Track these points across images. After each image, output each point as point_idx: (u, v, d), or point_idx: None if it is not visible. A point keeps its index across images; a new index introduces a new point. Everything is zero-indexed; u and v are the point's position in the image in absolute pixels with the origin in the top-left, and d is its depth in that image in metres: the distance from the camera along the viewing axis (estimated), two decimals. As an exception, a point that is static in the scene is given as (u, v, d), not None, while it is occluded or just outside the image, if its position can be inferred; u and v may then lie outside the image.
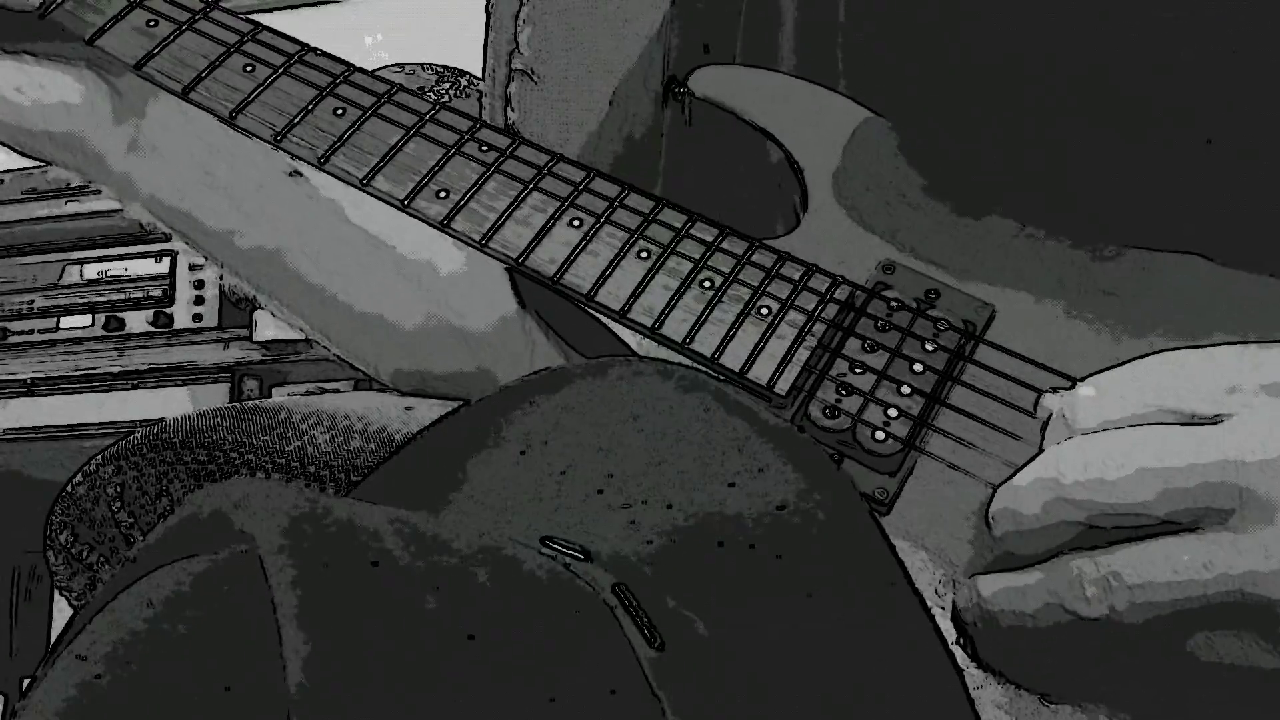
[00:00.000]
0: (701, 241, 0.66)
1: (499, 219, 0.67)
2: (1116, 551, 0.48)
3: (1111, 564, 0.48)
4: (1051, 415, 0.53)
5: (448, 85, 1.61)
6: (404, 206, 0.68)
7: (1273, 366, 0.50)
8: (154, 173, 0.74)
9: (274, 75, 0.72)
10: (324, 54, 0.74)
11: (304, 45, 0.74)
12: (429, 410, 0.75)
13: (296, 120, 0.71)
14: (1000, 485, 0.53)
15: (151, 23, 0.74)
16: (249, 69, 0.73)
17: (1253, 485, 0.46)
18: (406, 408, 0.77)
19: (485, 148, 0.70)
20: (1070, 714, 0.52)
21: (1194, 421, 0.49)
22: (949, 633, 0.53)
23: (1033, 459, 0.52)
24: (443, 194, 0.68)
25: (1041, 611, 0.50)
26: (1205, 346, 0.52)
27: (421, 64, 1.64)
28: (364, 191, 0.69)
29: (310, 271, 0.76)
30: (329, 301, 0.77)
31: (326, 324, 0.79)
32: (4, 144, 0.74)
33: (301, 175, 0.76)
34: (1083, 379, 0.54)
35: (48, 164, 0.75)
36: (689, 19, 0.83)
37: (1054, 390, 0.56)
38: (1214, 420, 0.49)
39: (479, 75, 0.97)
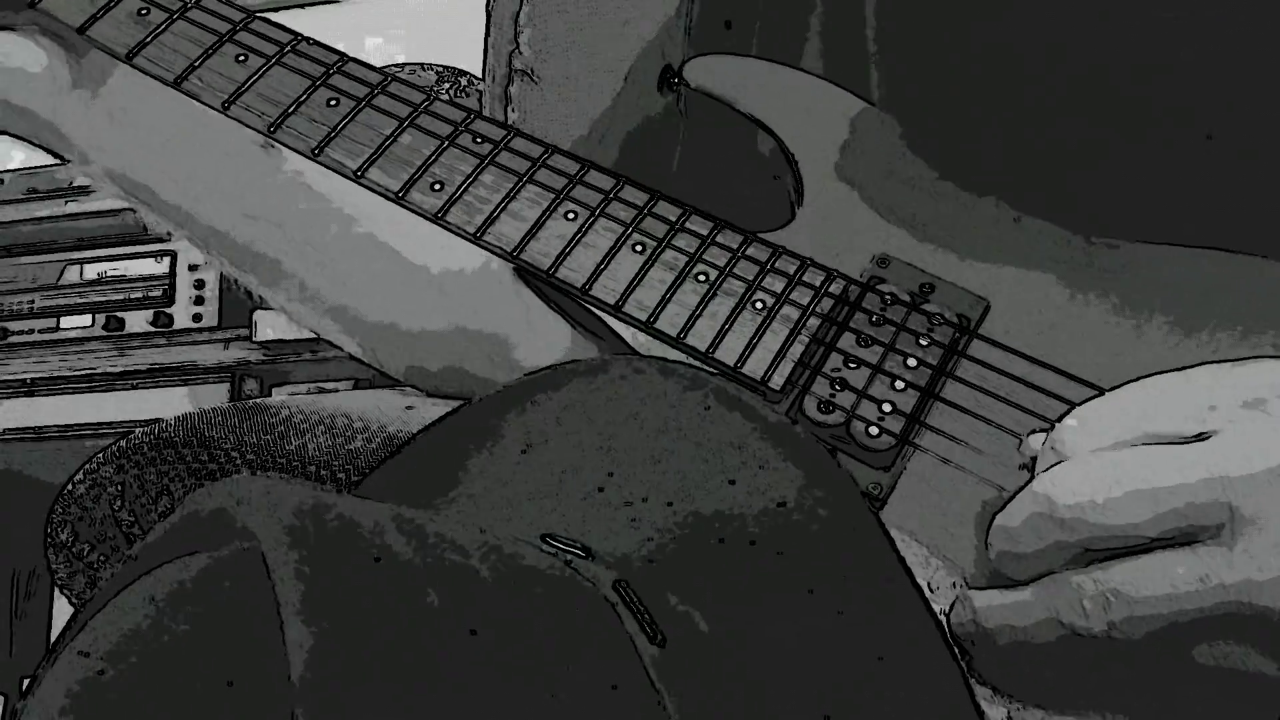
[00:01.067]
0: (696, 235, 0.66)
1: (494, 211, 0.67)
2: (1113, 567, 0.49)
3: (1109, 579, 0.48)
4: (1036, 457, 0.54)
5: (448, 85, 1.61)
6: (398, 199, 0.68)
7: (1250, 382, 0.50)
8: (114, 142, 0.73)
9: (267, 65, 0.71)
10: (317, 44, 0.73)
11: (297, 35, 0.73)
12: (430, 410, 0.75)
13: (290, 111, 0.70)
14: (995, 513, 0.53)
15: (143, 10, 0.73)
16: (242, 59, 0.72)
17: (1240, 499, 0.47)
18: (407, 407, 0.77)
19: (480, 140, 0.70)
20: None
21: (1179, 442, 0.50)
22: (945, 627, 0.54)
23: (1024, 485, 0.52)
24: (437, 186, 0.68)
25: (1038, 627, 0.50)
26: (1183, 369, 0.53)
27: (422, 64, 1.64)
28: (358, 184, 0.69)
29: (278, 242, 0.76)
30: (296, 272, 0.76)
31: (294, 297, 0.78)
32: None
33: (275, 147, 0.75)
34: (1061, 417, 0.55)
35: (3, 132, 0.75)
36: (706, 7, 0.82)
37: (1035, 432, 0.56)
38: (1198, 439, 0.49)
39: (479, 75, 0.98)
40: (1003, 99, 0.71)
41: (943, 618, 0.54)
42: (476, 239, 0.67)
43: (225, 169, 0.75)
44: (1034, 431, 0.56)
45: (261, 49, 0.72)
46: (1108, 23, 0.69)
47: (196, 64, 0.72)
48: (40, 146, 0.75)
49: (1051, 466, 0.52)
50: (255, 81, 0.71)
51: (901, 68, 0.73)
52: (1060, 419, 0.54)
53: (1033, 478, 0.53)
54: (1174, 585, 0.47)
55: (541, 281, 0.66)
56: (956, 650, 0.53)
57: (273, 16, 0.76)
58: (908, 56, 0.73)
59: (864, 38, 0.75)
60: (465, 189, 0.68)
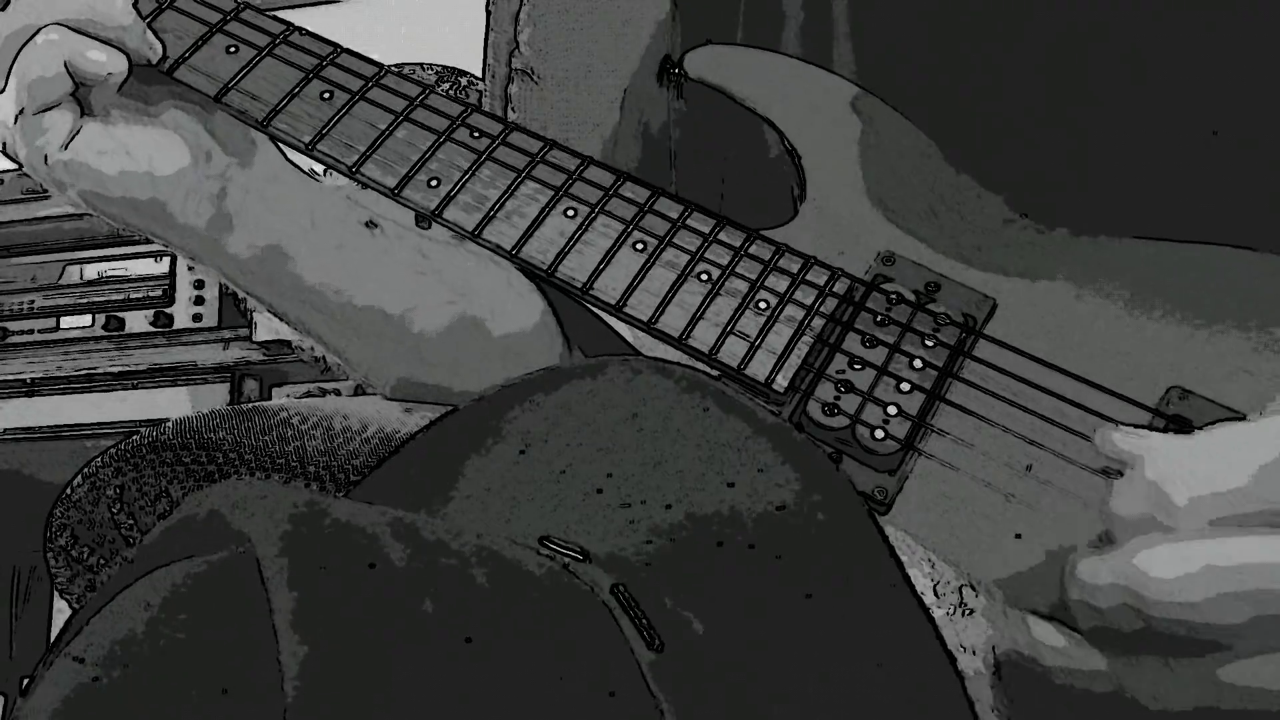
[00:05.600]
0: (698, 233, 0.65)
1: (491, 209, 0.66)
2: (1216, 662, 0.46)
3: (1209, 672, 0.46)
4: (1123, 468, 0.50)
5: (448, 85, 1.61)
6: (394, 195, 0.67)
7: None
8: (235, 241, 0.71)
9: (258, 57, 0.70)
10: (310, 34, 0.72)
11: (289, 25, 0.72)
12: (428, 413, 0.75)
13: (282, 104, 0.69)
14: (1080, 561, 0.49)
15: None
16: (233, 50, 0.71)
17: None
18: (405, 410, 0.77)
19: (477, 134, 0.68)
20: None
21: None
22: (948, 633, 0.53)
23: (1110, 540, 0.49)
24: (434, 182, 0.67)
25: (1093, 679, 0.48)
26: None
27: (421, 64, 1.63)
28: (354, 180, 0.68)
29: (385, 324, 0.74)
30: (407, 349, 0.75)
31: (400, 373, 0.77)
32: (87, 203, 0.71)
33: (377, 226, 0.74)
34: (1169, 427, 0.52)
35: (123, 227, 0.72)
36: (690, 15, 0.82)
37: (1121, 427, 0.53)
38: None
39: (479, 75, 0.97)
40: (1005, 90, 0.70)
41: (945, 619, 0.54)
42: (475, 236, 0.66)
43: (339, 260, 0.74)
44: (1111, 428, 0.53)
45: (253, 40, 0.71)
46: (1110, 14, 0.69)
47: (187, 55, 0.70)
48: (157, 241, 0.73)
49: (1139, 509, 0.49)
50: (247, 73, 0.70)
51: (903, 65, 0.73)
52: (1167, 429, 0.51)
53: (1109, 507, 0.50)
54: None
55: (541, 280, 0.65)
56: (991, 671, 0.52)
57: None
58: (909, 53, 0.73)
59: (840, 43, 0.74)
60: (462, 185, 0.67)
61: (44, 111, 0.66)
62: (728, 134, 0.78)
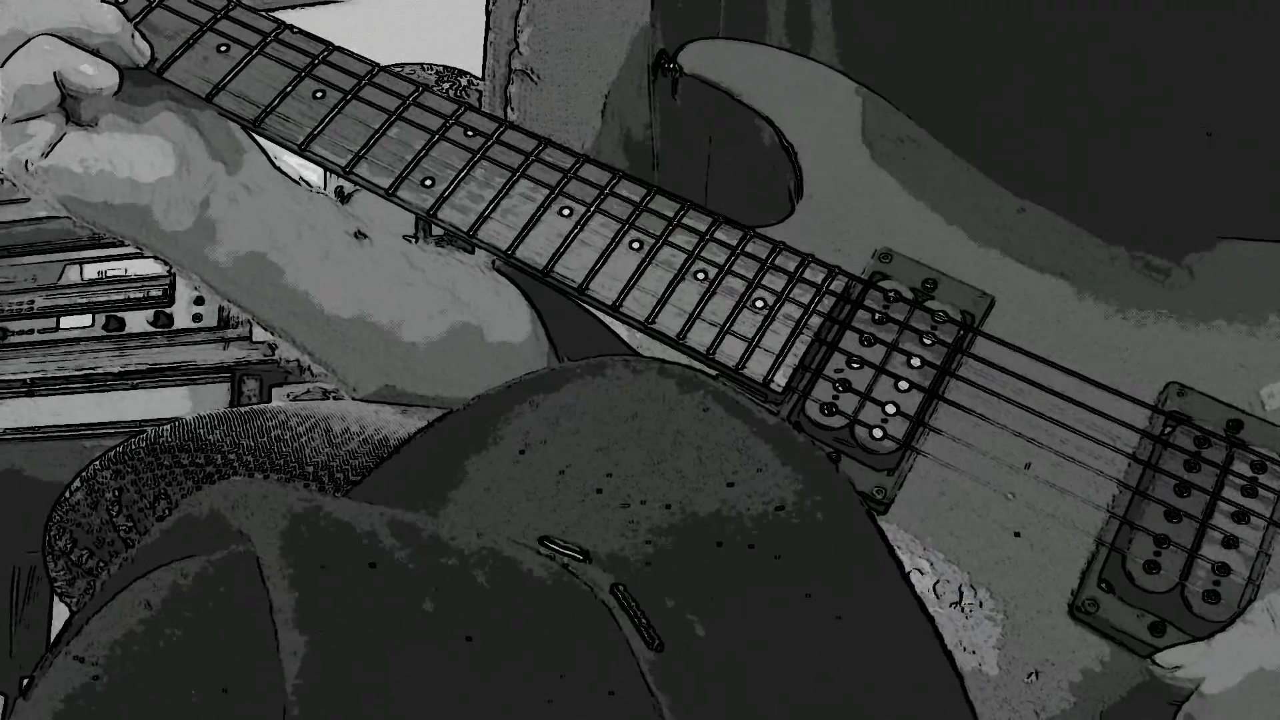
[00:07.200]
0: (694, 231, 0.64)
1: (486, 208, 0.65)
2: None
3: None
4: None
5: (448, 85, 1.61)
6: (389, 195, 0.66)
7: None
8: (218, 249, 0.70)
9: (250, 56, 0.69)
10: (302, 32, 0.71)
11: (280, 23, 0.71)
12: (426, 414, 0.75)
13: (274, 104, 0.68)
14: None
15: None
16: (223, 49, 0.70)
17: None
18: (403, 411, 0.77)
19: (471, 133, 0.68)
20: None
21: None
22: (948, 632, 0.53)
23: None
24: (428, 182, 0.66)
25: None
26: None
27: (421, 64, 1.63)
28: (347, 180, 0.67)
29: (373, 335, 0.74)
30: (396, 360, 0.75)
31: (388, 383, 0.76)
32: (65, 208, 0.70)
33: (366, 237, 0.74)
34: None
35: (104, 233, 0.71)
36: (671, 14, 0.82)
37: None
38: None
39: (479, 75, 0.97)
40: (1000, 87, 0.70)
41: (945, 618, 0.54)
42: (470, 236, 0.65)
43: (325, 270, 0.73)
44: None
45: (244, 39, 0.70)
46: (1106, 11, 0.69)
47: (178, 54, 0.69)
48: (136, 246, 0.73)
49: None
50: (239, 72, 0.69)
51: (895, 63, 0.73)
52: None
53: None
54: None
55: (536, 280, 0.65)
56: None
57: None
58: (900, 51, 0.73)
59: (820, 41, 0.74)
60: (457, 185, 0.66)
61: (28, 119, 0.66)
62: (712, 137, 0.77)
